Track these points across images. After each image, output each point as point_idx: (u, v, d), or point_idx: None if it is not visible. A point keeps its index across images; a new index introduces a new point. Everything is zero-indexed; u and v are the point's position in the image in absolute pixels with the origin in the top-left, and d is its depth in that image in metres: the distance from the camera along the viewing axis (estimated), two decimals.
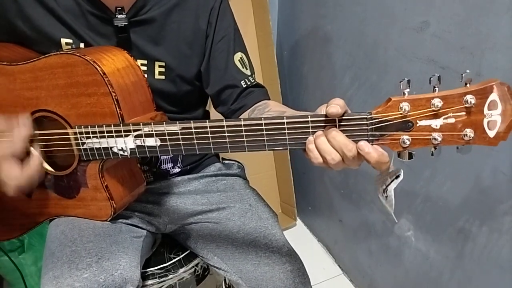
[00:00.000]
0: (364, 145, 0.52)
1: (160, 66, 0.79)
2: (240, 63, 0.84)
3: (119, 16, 0.73)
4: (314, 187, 1.67)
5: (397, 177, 0.54)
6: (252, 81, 0.84)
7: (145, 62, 0.78)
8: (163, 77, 0.80)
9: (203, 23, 0.80)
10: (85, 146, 0.67)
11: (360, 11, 1.15)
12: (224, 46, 0.82)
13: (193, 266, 0.89)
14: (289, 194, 1.72)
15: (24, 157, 0.65)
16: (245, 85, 0.83)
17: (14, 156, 0.63)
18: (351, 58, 1.23)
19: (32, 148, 0.67)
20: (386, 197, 0.55)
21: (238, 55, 0.84)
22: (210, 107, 1.02)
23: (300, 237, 1.73)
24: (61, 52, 0.67)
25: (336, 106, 0.51)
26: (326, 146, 0.53)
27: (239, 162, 1.02)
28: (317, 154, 0.54)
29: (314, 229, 1.76)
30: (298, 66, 1.58)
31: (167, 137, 0.61)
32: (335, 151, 0.52)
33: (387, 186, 0.55)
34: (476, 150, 0.86)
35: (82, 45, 0.76)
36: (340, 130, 0.53)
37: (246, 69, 0.84)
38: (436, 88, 0.50)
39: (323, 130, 0.54)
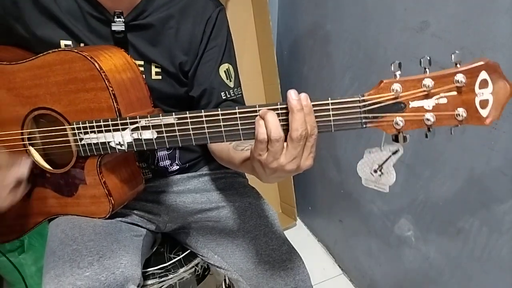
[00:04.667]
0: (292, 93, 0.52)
1: (156, 67, 0.80)
2: (225, 74, 0.83)
3: (117, 20, 0.74)
4: (314, 187, 1.67)
5: (395, 153, 0.54)
6: (232, 94, 0.84)
7: (141, 63, 0.79)
8: (159, 77, 0.81)
9: (199, 31, 0.81)
10: (83, 142, 0.67)
11: (360, 11, 1.15)
12: (213, 55, 0.82)
13: (193, 266, 0.89)
14: (289, 194, 1.72)
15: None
16: (225, 97, 0.82)
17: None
18: (351, 58, 1.23)
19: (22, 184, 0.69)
20: (381, 175, 0.56)
21: (224, 66, 0.83)
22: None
23: (300, 237, 1.73)
24: (59, 49, 0.67)
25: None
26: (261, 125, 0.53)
27: None
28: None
29: (314, 229, 1.76)
30: (298, 66, 1.58)
31: (163, 129, 0.61)
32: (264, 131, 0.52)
33: (381, 165, 0.55)
34: (476, 149, 0.86)
35: (81, 45, 0.76)
36: (333, 114, 0.53)
37: (230, 81, 0.84)
38: (427, 70, 0.49)
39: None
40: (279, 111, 0.54)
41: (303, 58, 1.53)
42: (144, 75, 0.77)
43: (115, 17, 0.74)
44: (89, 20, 0.75)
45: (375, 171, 0.56)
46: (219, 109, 0.57)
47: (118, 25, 0.74)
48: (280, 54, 1.65)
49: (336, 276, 1.54)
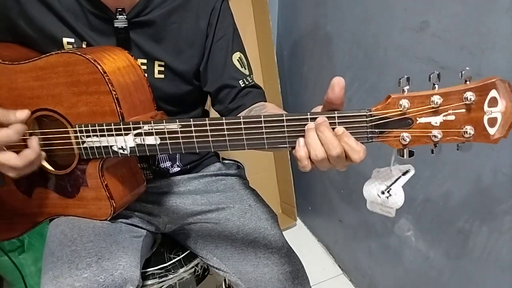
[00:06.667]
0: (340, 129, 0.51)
1: (159, 65, 0.80)
2: (239, 62, 0.84)
3: (119, 17, 0.74)
4: (314, 187, 1.67)
5: (405, 173, 0.53)
6: (250, 81, 0.84)
7: (144, 61, 0.79)
8: (162, 76, 0.80)
9: (204, 23, 0.81)
10: (85, 145, 0.67)
11: (360, 11, 1.15)
12: (223, 45, 0.83)
13: (193, 266, 0.89)
14: (289, 194, 1.72)
15: (21, 148, 0.64)
16: (243, 85, 0.83)
17: (9, 146, 0.62)
18: (351, 58, 1.23)
19: (30, 140, 0.65)
20: (388, 196, 0.55)
21: (237, 55, 0.84)
22: (209, 106, 1.02)
23: (300, 237, 1.73)
24: (62, 51, 0.67)
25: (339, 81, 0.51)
26: (313, 140, 0.52)
27: (239, 162, 1.02)
28: (304, 149, 0.53)
29: (314, 229, 1.76)
30: (298, 66, 1.58)
31: (166, 135, 0.61)
32: (320, 147, 0.52)
33: (390, 186, 0.54)
34: (476, 150, 0.86)
35: (84, 44, 0.76)
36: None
37: (245, 69, 0.84)
38: (436, 86, 0.49)
39: (314, 123, 0.53)
40: (309, 122, 0.54)
41: (303, 58, 1.53)
42: (146, 74, 0.77)
43: (117, 14, 0.74)
44: (90, 18, 0.75)
45: (383, 193, 0.55)
46: (224, 118, 0.57)
47: (121, 22, 0.74)
48: (280, 54, 1.65)
49: (336, 276, 1.54)
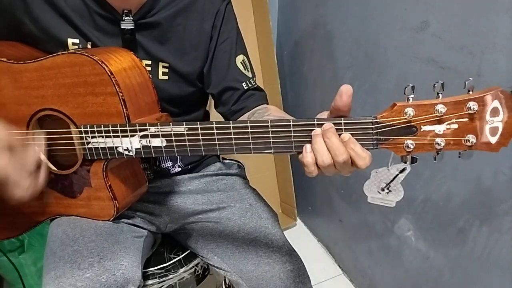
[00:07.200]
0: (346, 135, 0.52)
1: (164, 67, 0.80)
2: (242, 65, 0.84)
3: (126, 18, 0.74)
4: (314, 187, 1.68)
5: (402, 171, 0.55)
6: (253, 83, 0.85)
7: (149, 62, 0.79)
8: (166, 77, 0.81)
9: (208, 25, 0.82)
10: (90, 146, 0.67)
11: (360, 11, 1.15)
12: (227, 48, 0.83)
13: (193, 266, 0.89)
14: (289, 194, 1.73)
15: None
16: (246, 87, 0.83)
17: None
18: (351, 58, 1.23)
19: (41, 166, 0.66)
20: (388, 192, 0.57)
21: (240, 57, 0.85)
22: (210, 107, 1.02)
23: (300, 237, 1.73)
24: (69, 51, 0.67)
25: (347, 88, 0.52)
26: (320, 146, 0.53)
27: (239, 162, 1.02)
28: (311, 155, 0.54)
29: (314, 229, 1.76)
30: (298, 66, 1.58)
31: (173, 138, 0.61)
32: (327, 153, 0.53)
33: (389, 183, 0.56)
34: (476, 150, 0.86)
35: (89, 45, 0.76)
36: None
37: (248, 71, 0.85)
38: (440, 95, 0.51)
39: (321, 129, 0.54)
40: (316, 128, 0.54)
41: (303, 58, 1.53)
42: (150, 75, 0.77)
43: (124, 15, 0.74)
44: (96, 19, 0.75)
45: (382, 190, 0.58)
46: (231, 122, 0.57)
47: (128, 24, 0.74)
48: (280, 54, 1.66)
49: (336, 276, 1.54)
